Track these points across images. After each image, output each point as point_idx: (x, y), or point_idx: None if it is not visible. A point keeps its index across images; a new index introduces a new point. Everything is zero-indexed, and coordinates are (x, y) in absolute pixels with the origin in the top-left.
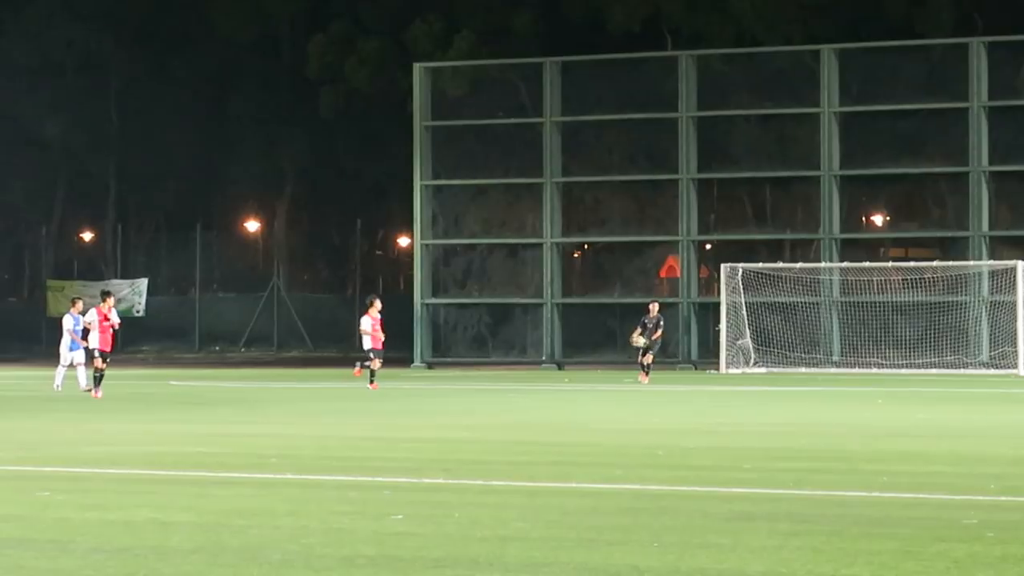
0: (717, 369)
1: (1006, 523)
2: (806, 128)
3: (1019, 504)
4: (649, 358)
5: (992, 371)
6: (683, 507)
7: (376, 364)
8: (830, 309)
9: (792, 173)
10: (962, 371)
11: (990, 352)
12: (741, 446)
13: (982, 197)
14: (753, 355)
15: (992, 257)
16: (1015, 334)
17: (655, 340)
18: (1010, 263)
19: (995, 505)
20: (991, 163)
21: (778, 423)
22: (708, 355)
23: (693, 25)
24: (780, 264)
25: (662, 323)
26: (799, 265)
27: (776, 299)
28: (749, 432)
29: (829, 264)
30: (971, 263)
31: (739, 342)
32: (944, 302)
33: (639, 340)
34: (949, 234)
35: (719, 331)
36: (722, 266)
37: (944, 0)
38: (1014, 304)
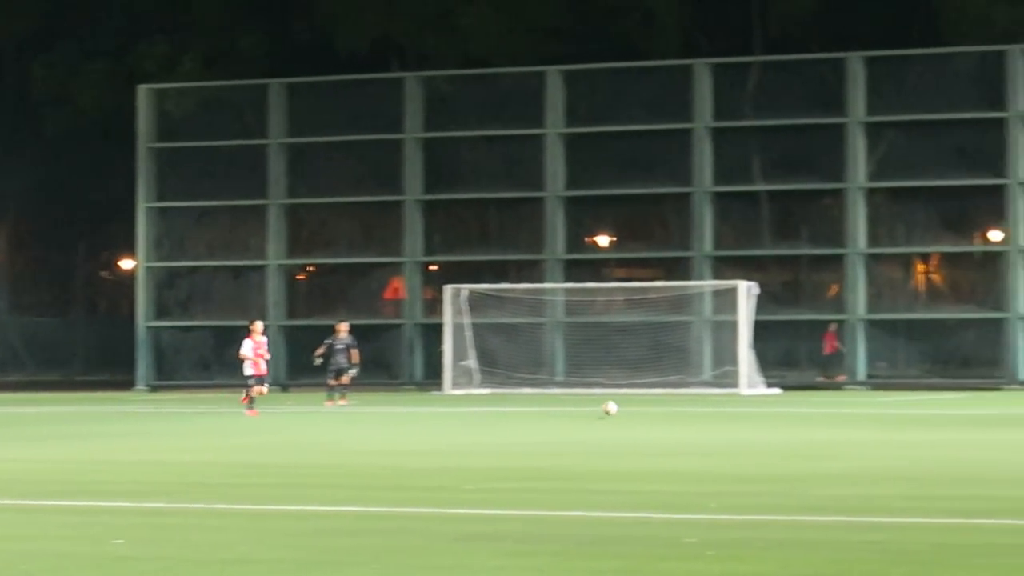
0: (441, 390)
1: (726, 541)
2: (532, 149)
3: (739, 522)
4: (346, 379)
5: (714, 390)
6: (407, 528)
7: (257, 391)
8: (554, 329)
9: (518, 194)
10: (685, 390)
11: (712, 371)
12: (465, 467)
13: (705, 217)
14: (478, 376)
15: (715, 277)
16: (736, 353)
17: (354, 363)
18: (732, 283)
19: (715, 523)
20: (715, 184)
21: (502, 443)
22: (433, 376)
23: (421, 46)
24: (505, 285)
25: (355, 344)
26: (524, 286)
27: (501, 320)
28: (473, 452)
29: (554, 285)
30: (694, 283)
31: (464, 363)
32: (668, 322)
33: (319, 361)
34: (673, 254)
35: (443, 352)
36: (447, 287)
37: (669, 22)
38: (735, 324)
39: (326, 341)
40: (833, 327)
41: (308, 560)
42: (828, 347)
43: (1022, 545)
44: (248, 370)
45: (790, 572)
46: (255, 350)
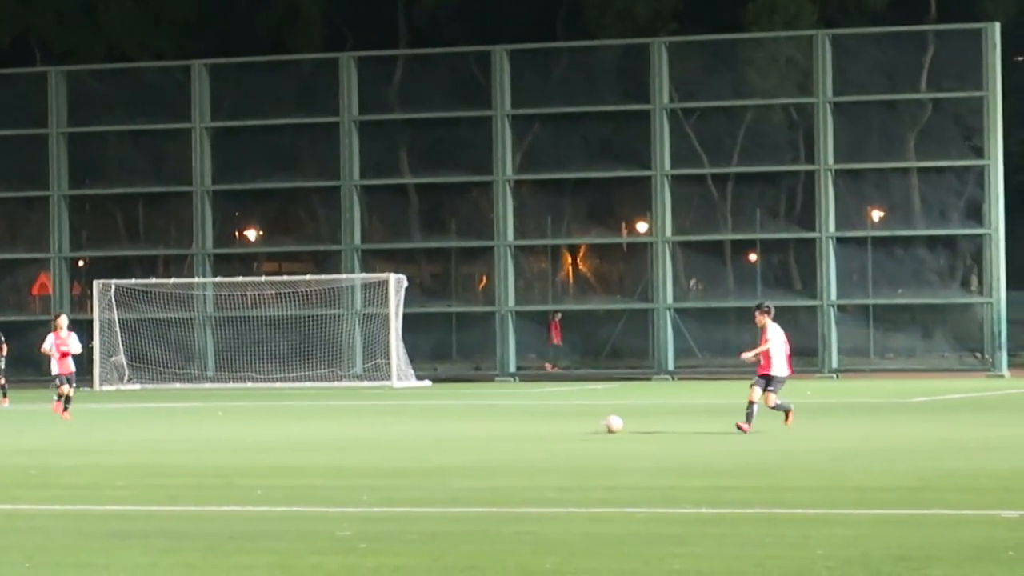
0: (91, 386)
1: (379, 534)
2: (179, 143)
3: (392, 515)
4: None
5: (366, 383)
6: (56, 526)
7: (64, 390)
8: (204, 324)
9: (165, 188)
10: (337, 384)
11: (364, 364)
12: (115, 464)
13: (355, 210)
14: (127, 372)
15: (365, 270)
16: (388, 346)
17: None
18: (382, 276)
19: (368, 516)
20: (362, 177)
21: (152, 439)
22: (82, 372)
23: (64, 42)
24: (154, 280)
25: (2, 339)
26: (172, 281)
27: (151, 315)
28: (122, 449)
29: (203, 279)
30: (344, 276)
31: (113, 359)
32: (319, 315)
33: None
34: (323, 248)
35: (92, 348)
36: (95, 282)
37: (315, 17)
38: (387, 316)
39: None
40: (558, 316)
41: None
42: (555, 337)
43: (669, 533)
44: (54, 368)
45: (444, 564)
46: (58, 346)
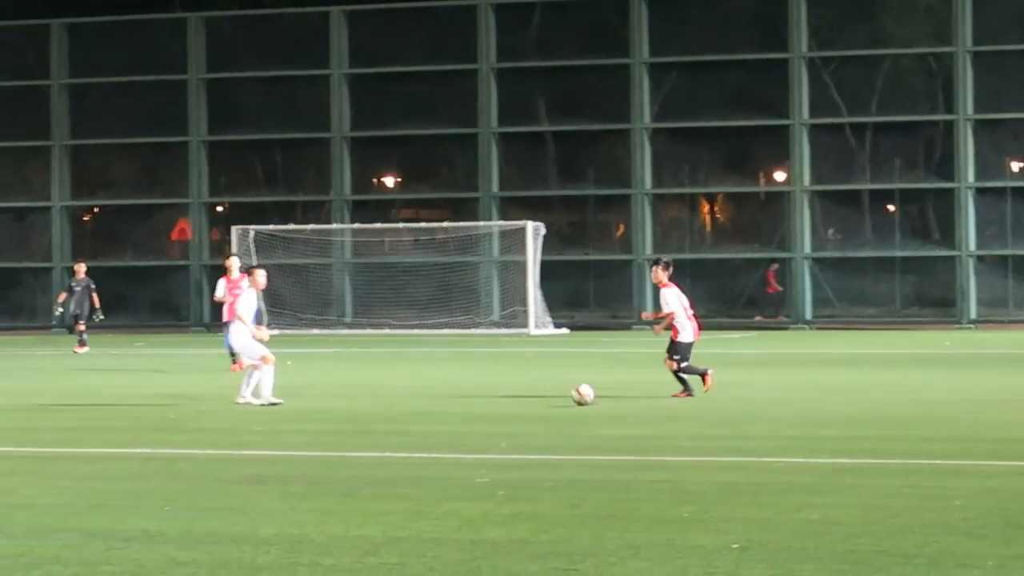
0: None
1: (516, 481)
2: (316, 90)
3: (529, 462)
4: (82, 326)
5: (503, 331)
6: (194, 471)
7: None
8: (342, 271)
9: (303, 135)
10: (474, 331)
11: (501, 312)
12: (252, 409)
13: (492, 158)
14: (266, 317)
15: (502, 217)
16: (525, 293)
17: (96, 307)
18: (520, 223)
19: (505, 463)
20: (500, 124)
21: (291, 385)
22: (220, 317)
23: None
24: (292, 226)
25: (94, 286)
26: (311, 227)
27: (289, 261)
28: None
29: (341, 226)
30: (481, 224)
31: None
32: (455, 262)
33: (59, 310)
34: (460, 195)
35: None
36: (233, 228)
37: None
38: (524, 264)
39: (68, 283)
40: (774, 266)
41: (96, 504)
42: (770, 287)
43: (805, 483)
44: (226, 315)
45: (581, 512)
46: (231, 290)
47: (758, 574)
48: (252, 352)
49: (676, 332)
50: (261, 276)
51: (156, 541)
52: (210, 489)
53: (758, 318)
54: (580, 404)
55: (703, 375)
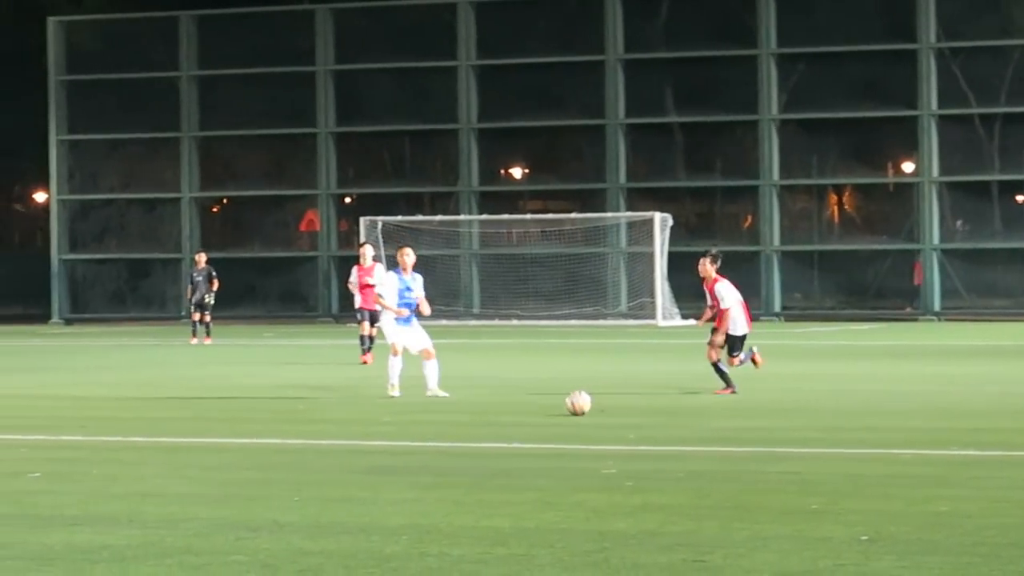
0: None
1: (643, 472)
2: (444, 81)
3: (656, 453)
4: (208, 316)
5: (630, 322)
6: (323, 461)
7: (366, 328)
8: (470, 262)
9: (431, 126)
10: (601, 322)
11: (628, 303)
12: (380, 400)
13: (619, 149)
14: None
15: (629, 209)
16: (652, 285)
17: (212, 290)
18: (647, 215)
19: (633, 455)
20: (627, 116)
21: (417, 376)
22: (348, 308)
23: None
24: (420, 217)
25: (215, 275)
26: (439, 218)
27: (417, 252)
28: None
29: (468, 217)
30: (609, 215)
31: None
32: (583, 253)
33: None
34: (587, 186)
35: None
36: (361, 219)
37: None
38: (651, 255)
39: (191, 274)
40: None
41: (225, 494)
42: (917, 278)
43: (934, 475)
44: (356, 302)
45: (708, 503)
46: (361, 278)
47: (887, 566)
48: (395, 341)
49: (721, 323)
50: (408, 256)
51: (285, 531)
52: (339, 480)
53: (908, 309)
54: (573, 414)
55: (727, 384)
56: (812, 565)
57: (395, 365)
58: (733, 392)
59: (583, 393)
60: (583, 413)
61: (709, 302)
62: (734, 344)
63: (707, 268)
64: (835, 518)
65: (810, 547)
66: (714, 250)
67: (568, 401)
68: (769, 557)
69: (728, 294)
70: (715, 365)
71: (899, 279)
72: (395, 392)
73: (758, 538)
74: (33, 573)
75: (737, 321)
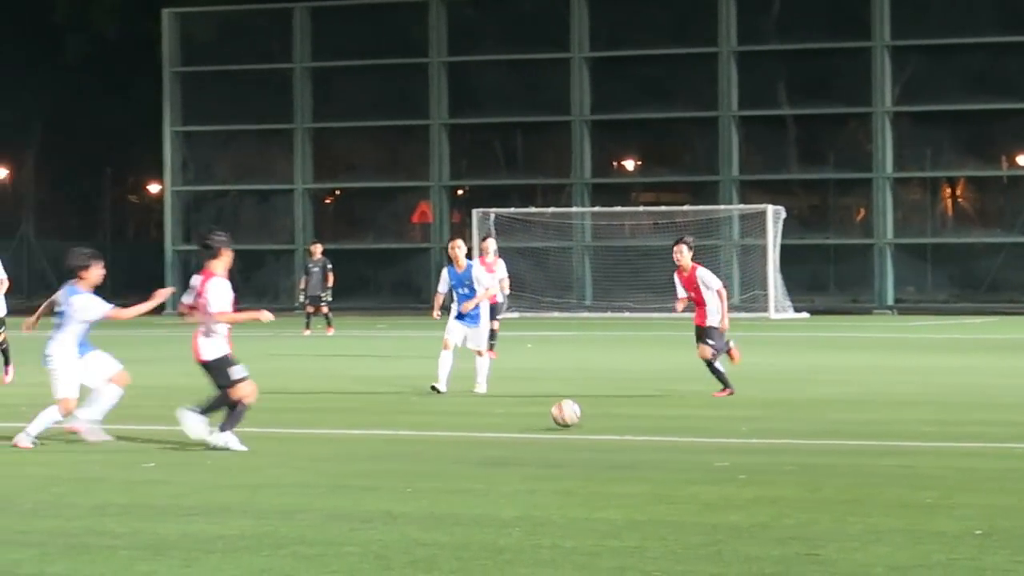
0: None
1: (757, 466)
2: (557, 73)
3: (770, 446)
4: (325, 308)
5: (743, 314)
6: (436, 453)
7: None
8: (582, 254)
9: (543, 118)
10: None
11: (741, 295)
12: (493, 391)
13: (732, 141)
14: (506, 300)
15: (742, 201)
16: (765, 277)
17: (328, 287)
18: (760, 207)
19: (746, 448)
20: (740, 108)
21: (530, 368)
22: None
23: None
24: (532, 209)
25: (330, 267)
26: (551, 210)
27: (528, 244)
28: (501, 377)
29: (581, 209)
30: (722, 207)
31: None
32: (695, 246)
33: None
34: (700, 178)
35: None
36: (474, 211)
37: None
38: (764, 247)
39: (305, 265)
40: None
41: (338, 484)
42: None
43: None
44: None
45: (821, 496)
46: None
47: (1001, 561)
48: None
49: (703, 316)
50: (459, 249)
51: (398, 522)
52: (452, 471)
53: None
54: (560, 424)
55: (724, 384)
56: (925, 559)
57: (445, 359)
58: (731, 393)
59: (570, 403)
60: (565, 424)
61: (681, 293)
62: (710, 335)
63: (685, 256)
64: (949, 512)
65: (923, 541)
66: (688, 237)
67: (555, 408)
68: (882, 551)
69: (715, 277)
70: (709, 364)
71: (1013, 272)
72: (442, 387)
73: (871, 532)
74: (147, 563)
75: (716, 312)
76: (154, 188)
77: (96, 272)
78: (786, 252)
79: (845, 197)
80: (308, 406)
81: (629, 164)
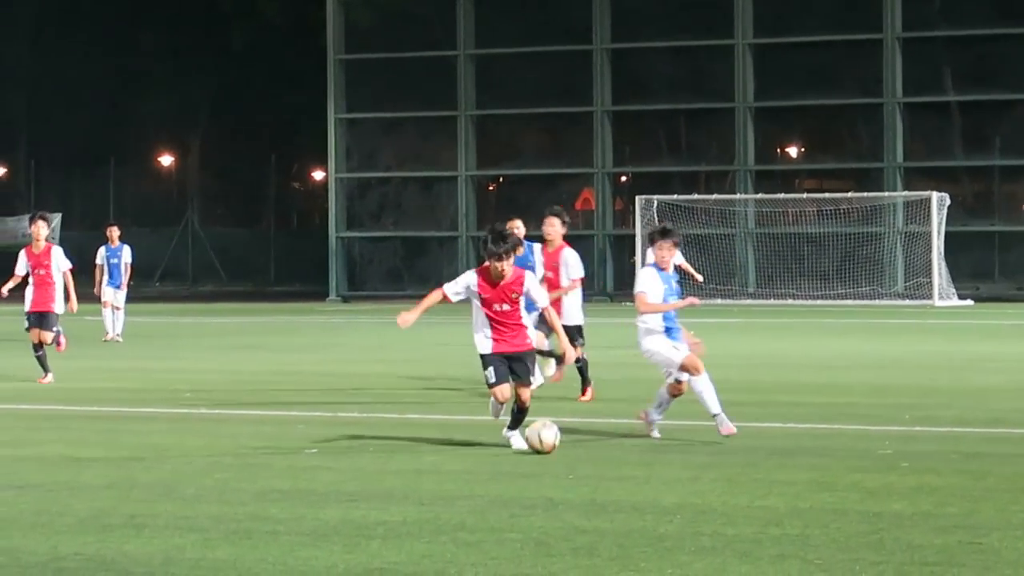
0: (632, 301)
1: (920, 453)
2: (721, 60)
3: (933, 434)
4: None
5: (907, 302)
6: (599, 441)
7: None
8: (745, 240)
9: (707, 105)
10: (877, 302)
11: (904, 283)
12: (653, 379)
13: (896, 128)
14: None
15: (906, 188)
16: (929, 265)
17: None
18: (924, 194)
19: (909, 435)
20: (905, 94)
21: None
22: (624, 287)
23: None
24: (695, 196)
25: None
26: (714, 197)
27: (691, 231)
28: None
29: (744, 196)
30: (886, 194)
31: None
32: (859, 233)
33: None
34: (864, 165)
35: (635, 263)
36: (637, 198)
37: None
38: (928, 235)
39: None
40: None
41: (500, 471)
42: None
43: None
44: None
45: (985, 485)
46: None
47: None
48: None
49: (559, 304)
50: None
51: (559, 509)
52: (614, 458)
53: None
54: (536, 451)
55: (585, 384)
56: None
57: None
58: (588, 400)
59: (548, 428)
60: (544, 449)
61: (544, 272)
62: (572, 337)
63: (557, 229)
64: None
65: None
66: (559, 208)
67: (533, 432)
68: None
69: (579, 264)
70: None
71: None
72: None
73: None
74: (310, 548)
75: (575, 306)
76: (318, 175)
77: None
78: (950, 239)
79: (1011, 184)
80: (470, 393)
81: (792, 151)
